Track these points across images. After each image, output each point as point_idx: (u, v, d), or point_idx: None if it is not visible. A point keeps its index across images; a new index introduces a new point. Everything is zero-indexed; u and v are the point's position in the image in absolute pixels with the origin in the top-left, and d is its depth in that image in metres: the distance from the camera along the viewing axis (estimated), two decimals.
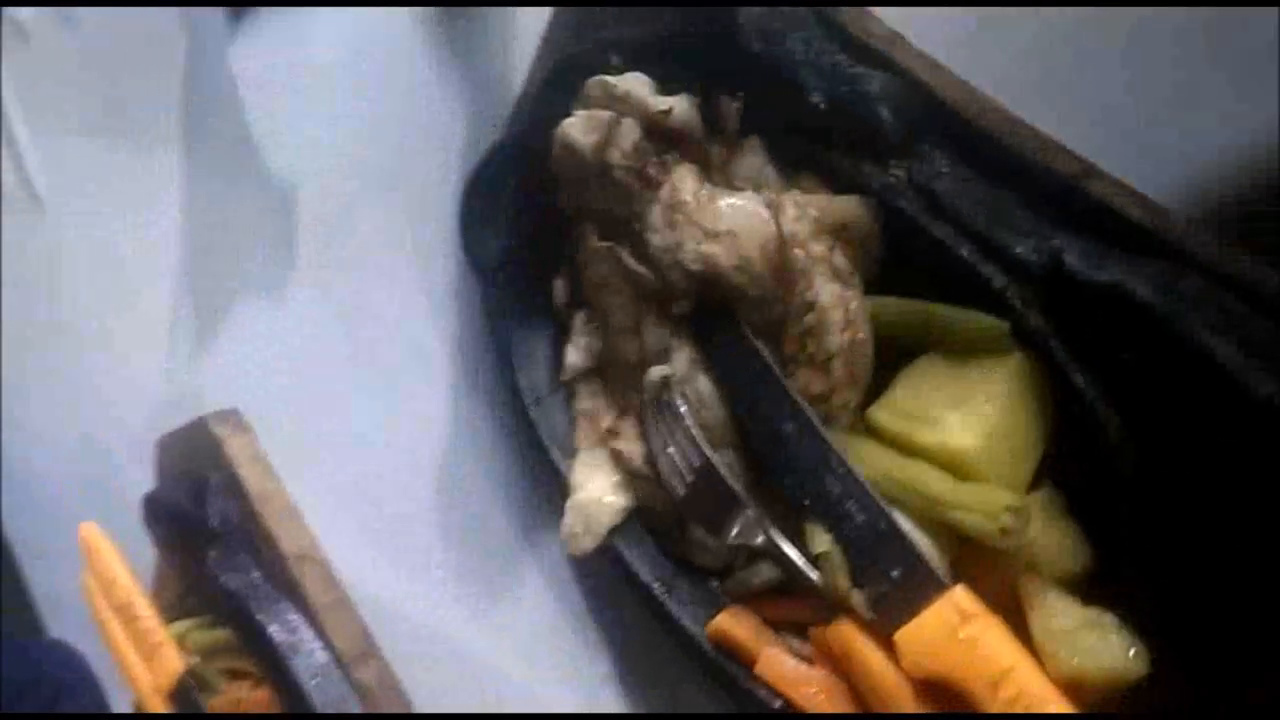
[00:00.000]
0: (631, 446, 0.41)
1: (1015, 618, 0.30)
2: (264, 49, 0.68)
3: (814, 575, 0.34)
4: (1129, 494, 0.29)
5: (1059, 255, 0.30)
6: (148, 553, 0.73)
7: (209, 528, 0.65)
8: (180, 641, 0.66)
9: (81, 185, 0.85)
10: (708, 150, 0.36)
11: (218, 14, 0.70)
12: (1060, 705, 0.28)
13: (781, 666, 0.36)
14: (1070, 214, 0.31)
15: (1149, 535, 0.29)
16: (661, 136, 0.36)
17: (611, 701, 0.51)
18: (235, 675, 0.66)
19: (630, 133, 0.36)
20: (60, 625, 0.94)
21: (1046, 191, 0.31)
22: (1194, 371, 0.27)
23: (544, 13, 0.44)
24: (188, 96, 0.73)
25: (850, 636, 0.33)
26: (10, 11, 0.89)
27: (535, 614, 0.54)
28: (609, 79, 0.37)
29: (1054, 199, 0.31)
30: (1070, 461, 0.31)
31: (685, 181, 0.35)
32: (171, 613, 0.69)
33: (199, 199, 0.75)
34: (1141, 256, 0.29)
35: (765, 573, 0.39)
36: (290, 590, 0.63)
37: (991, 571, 0.31)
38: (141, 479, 0.72)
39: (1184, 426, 0.28)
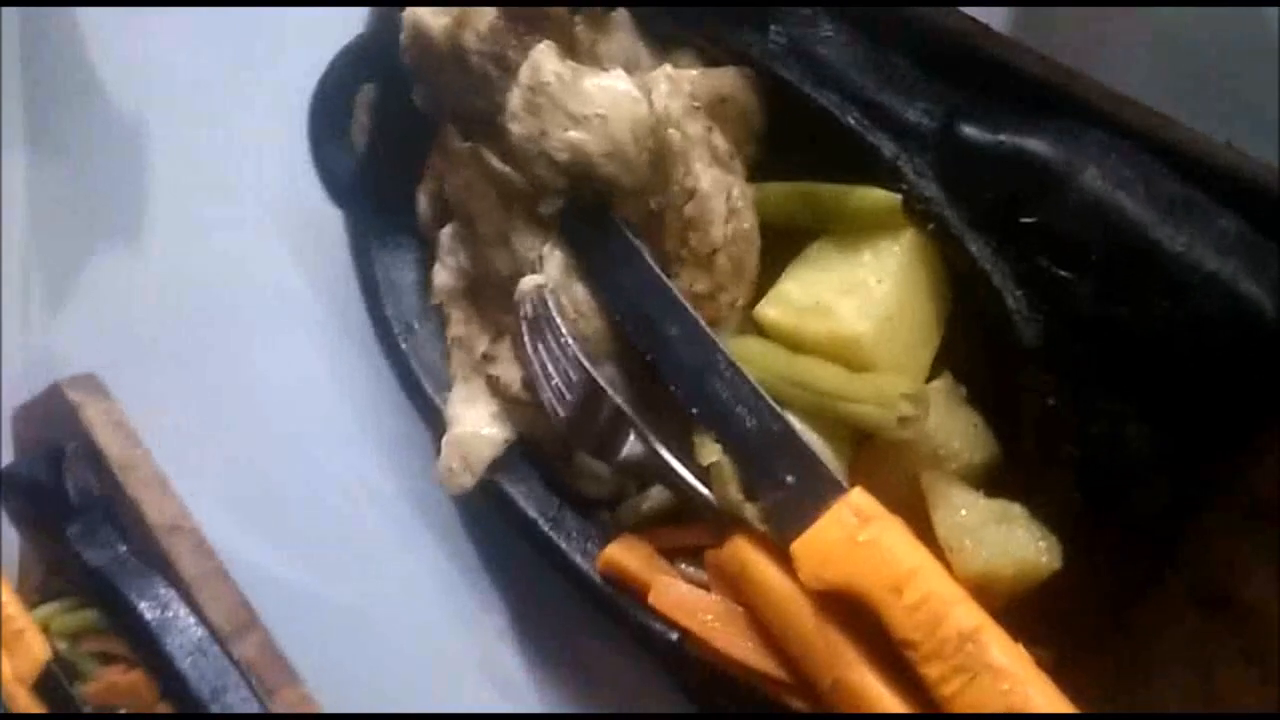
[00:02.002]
0: (509, 371, 0.38)
1: (918, 518, 0.28)
2: None
3: (704, 490, 0.31)
4: (1033, 370, 0.26)
5: (953, 119, 0.27)
6: (9, 535, 0.68)
7: (68, 501, 0.61)
8: (45, 627, 0.62)
9: None
10: (573, 30, 0.33)
11: None
12: (968, 605, 0.26)
13: (675, 594, 0.34)
14: (964, 75, 0.28)
15: (1055, 416, 0.26)
16: (521, 17, 0.33)
17: (510, 656, 0.49)
18: (107, 659, 0.61)
19: (486, 13, 0.33)
20: None
21: (938, 52, 0.29)
22: (1098, 231, 0.25)
23: None
24: (25, 35, 0.67)
25: (744, 553, 0.31)
26: None
27: (424, 569, 0.52)
28: None
29: (946, 60, 0.28)
30: (971, 347, 0.29)
31: (547, 61, 0.31)
32: (37, 597, 0.64)
33: (46, 152, 0.69)
34: (1041, 115, 0.27)
35: (656, 497, 0.36)
36: (160, 564, 0.60)
37: (891, 470, 0.29)
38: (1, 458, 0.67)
39: (1089, 291, 0.25)
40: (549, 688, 0.48)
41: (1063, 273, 0.26)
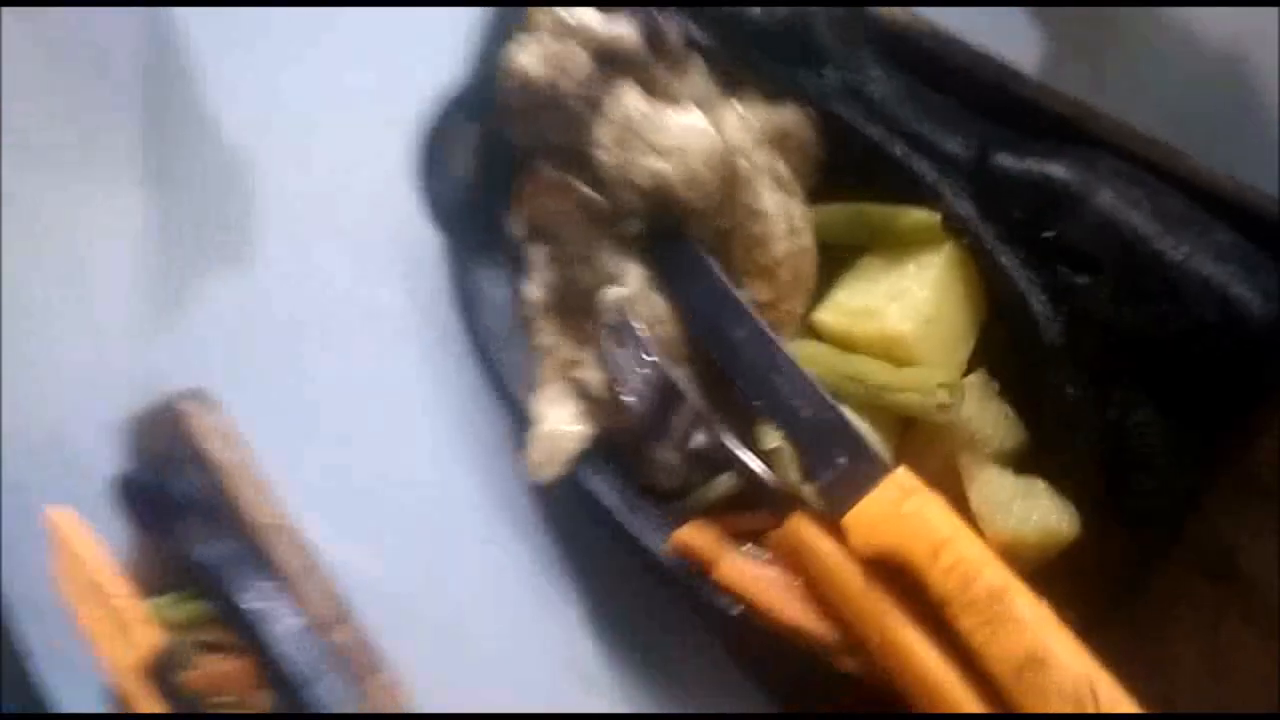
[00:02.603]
0: (591, 374, 0.42)
1: (954, 494, 0.32)
2: (220, 27, 0.69)
3: (765, 473, 0.35)
4: (1055, 365, 0.30)
5: (985, 148, 0.32)
6: (119, 538, 0.73)
7: (179, 503, 0.66)
8: (154, 618, 0.67)
9: (36, 174, 0.86)
10: (653, 74, 0.38)
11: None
12: (996, 566, 0.30)
13: (740, 568, 0.38)
14: (995, 111, 0.33)
15: (1074, 405, 0.30)
16: (610, 62, 0.38)
17: (586, 643, 0.52)
18: (210, 648, 0.66)
19: (580, 60, 0.38)
20: (33, 625, 0.94)
21: (973, 92, 0.33)
22: (1111, 243, 0.29)
23: None
24: (147, 74, 0.74)
25: (802, 528, 0.35)
26: None
27: (506, 564, 0.55)
28: (559, 10, 0.38)
29: (980, 99, 0.33)
30: (1002, 347, 0.33)
31: (632, 101, 0.36)
32: (146, 592, 0.69)
33: (159, 182, 0.75)
34: (1062, 145, 0.31)
35: (722, 486, 0.40)
36: (262, 560, 0.64)
37: (931, 452, 0.33)
38: (112, 465, 0.73)
39: (1103, 295, 0.30)
40: (622, 672, 0.51)
41: (1080, 279, 0.30)
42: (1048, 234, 0.30)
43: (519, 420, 0.46)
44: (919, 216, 0.33)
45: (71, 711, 0.85)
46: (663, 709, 0.50)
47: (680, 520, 0.41)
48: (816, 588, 0.35)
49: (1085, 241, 0.30)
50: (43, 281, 0.83)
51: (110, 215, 0.76)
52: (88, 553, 0.69)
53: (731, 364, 0.36)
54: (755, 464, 0.36)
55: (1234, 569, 0.32)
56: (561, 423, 0.44)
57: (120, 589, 0.67)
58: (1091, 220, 0.29)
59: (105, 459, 0.75)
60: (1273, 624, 0.32)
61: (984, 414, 0.32)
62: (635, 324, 0.39)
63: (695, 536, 0.40)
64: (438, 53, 0.52)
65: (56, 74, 0.81)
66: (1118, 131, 0.30)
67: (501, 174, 0.45)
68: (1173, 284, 0.28)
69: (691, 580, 0.40)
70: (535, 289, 0.44)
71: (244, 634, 0.62)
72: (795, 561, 0.36)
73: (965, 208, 0.32)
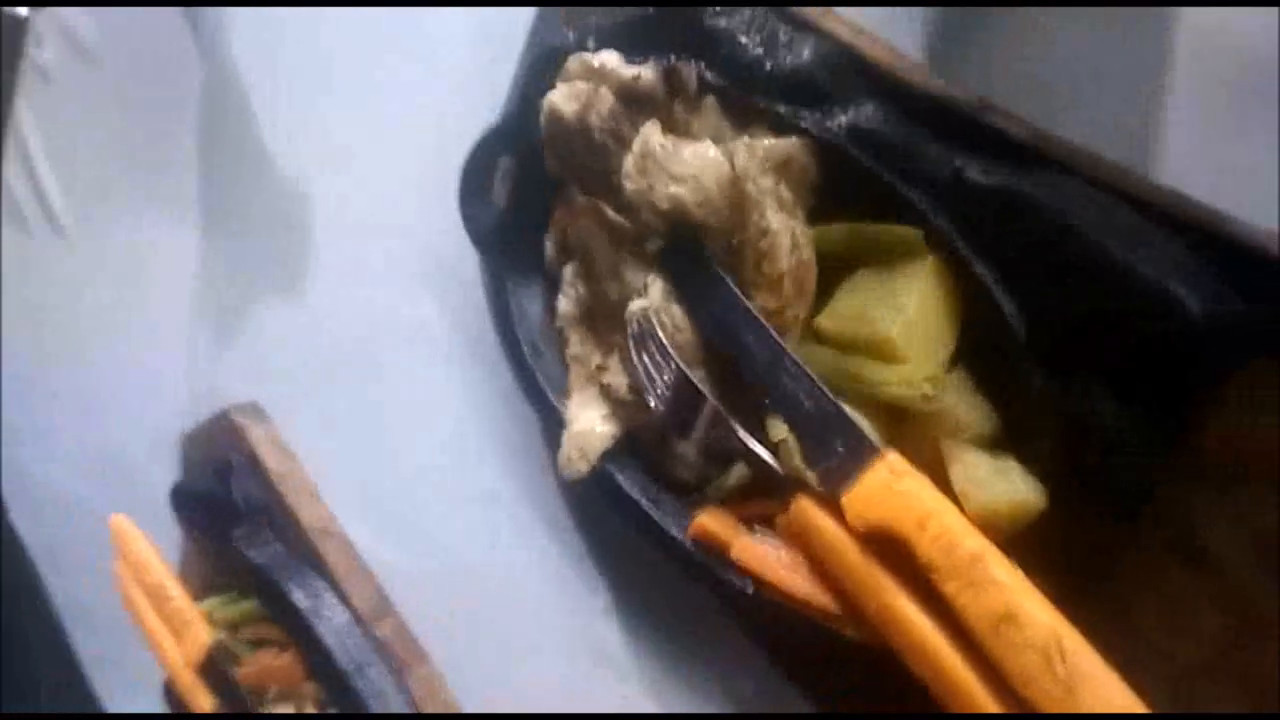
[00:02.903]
0: (618, 379, 0.47)
1: (938, 476, 0.36)
2: (273, 62, 0.75)
3: (773, 461, 0.40)
4: (1023, 359, 0.35)
5: (961, 171, 0.36)
6: (171, 547, 0.78)
7: (235, 508, 0.71)
8: (207, 618, 0.71)
9: (101, 210, 0.92)
10: (672, 110, 0.43)
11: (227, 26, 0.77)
12: (976, 535, 0.34)
13: (752, 549, 0.42)
14: (970, 139, 0.37)
15: (1042, 395, 0.35)
16: (632, 100, 0.43)
17: (610, 630, 0.56)
18: (260, 644, 0.71)
19: (607, 99, 0.43)
20: (83, 632, 0.99)
21: (951, 123, 0.38)
22: (1070, 253, 0.34)
23: (530, 11, 0.51)
24: (203, 113, 0.80)
25: (806, 509, 0.39)
26: (33, 54, 0.96)
27: (536, 559, 0.59)
28: (586, 55, 0.43)
29: (957, 128, 0.37)
30: (979, 347, 0.37)
31: (653, 135, 0.41)
32: (200, 593, 0.74)
33: (216, 213, 0.81)
34: (1028, 167, 0.36)
35: (736, 476, 0.45)
36: (311, 561, 0.69)
37: (918, 439, 0.37)
38: (163, 478, 0.78)
39: (1066, 299, 0.34)
40: (644, 657, 0.54)
41: (1043, 285, 0.34)
42: (1015, 244, 0.35)
43: (553, 423, 0.51)
44: (904, 233, 0.37)
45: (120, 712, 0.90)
46: (681, 689, 0.53)
47: (698, 509, 0.45)
48: (820, 563, 0.40)
49: (1046, 250, 0.34)
50: (108, 307, 0.89)
51: (171, 245, 0.82)
52: (147, 557, 0.74)
53: (743, 365, 0.41)
54: (764, 454, 0.40)
55: (1197, 547, 0.36)
56: (591, 424, 0.48)
57: (176, 591, 0.72)
58: (1051, 231, 0.34)
59: (161, 471, 0.81)
60: (1231, 597, 0.36)
61: (963, 404, 0.37)
62: (658, 331, 0.43)
63: (712, 522, 0.44)
64: (475, 92, 0.57)
65: (121, 117, 0.88)
66: (1074, 154, 0.35)
67: (536, 201, 0.50)
68: (1122, 288, 0.33)
69: (710, 562, 0.44)
70: (567, 303, 0.49)
71: (294, 630, 0.67)
72: (801, 541, 0.40)
73: (944, 224, 0.36)
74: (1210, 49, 0.35)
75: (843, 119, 0.39)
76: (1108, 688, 0.32)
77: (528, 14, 0.53)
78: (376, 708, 0.63)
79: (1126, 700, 0.32)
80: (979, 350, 0.37)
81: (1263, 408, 0.33)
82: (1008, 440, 0.37)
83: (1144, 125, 0.37)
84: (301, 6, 0.71)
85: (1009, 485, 0.35)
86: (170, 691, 0.73)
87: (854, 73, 0.39)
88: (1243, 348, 0.33)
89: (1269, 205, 0.33)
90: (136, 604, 0.73)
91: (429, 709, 0.63)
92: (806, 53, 0.40)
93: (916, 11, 0.42)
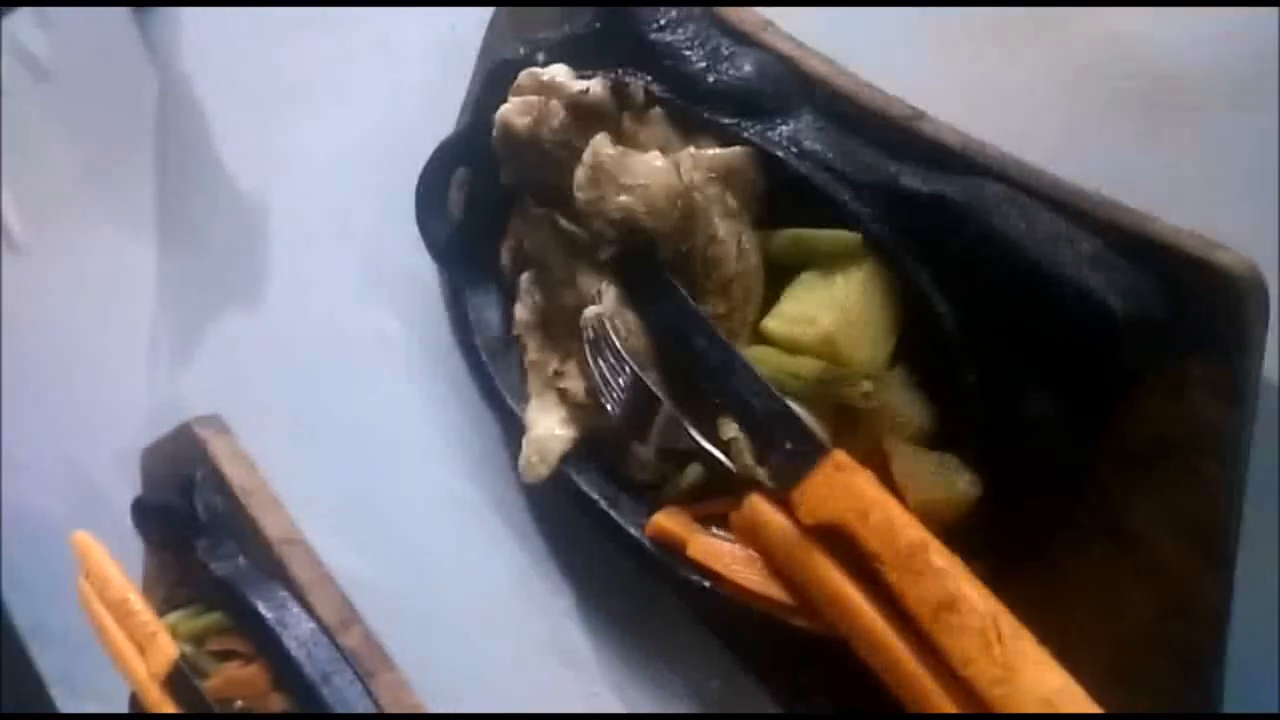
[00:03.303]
0: (574, 383, 0.48)
1: (881, 470, 0.38)
2: (228, 72, 0.75)
3: (725, 459, 0.41)
4: (957, 356, 0.37)
5: (896, 178, 0.38)
6: (134, 562, 0.78)
7: (197, 521, 0.71)
8: (172, 631, 0.71)
9: (58, 225, 0.92)
10: (620, 123, 0.44)
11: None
12: (916, 525, 0.36)
13: (707, 546, 0.43)
14: (905, 148, 0.39)
15: (975, 389, 0.37)
16: (582, 114, 0.44)
17: (573, 631, 0.58)
18: (226, 656, 0.71)
19: (557, 112, 0.44)
20: (45, 651, 0.98)
21: (886, 133, 0.39)
22: (997, 254, 0.36)
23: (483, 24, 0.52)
24: (159, 126, 0.80)
25: (757, 506, 0.40)
26: None
27: (501, 564, 0.60)
28: (537, 70, 0.45)
29: (892, 138, 0.39)
30: (917, 346, 0.39)
31: (603, 147, 0.42)
32: (164, 606, 0.74)
33: (175, 226, 0.81)
34: (957, 173, 0.37)
35: (691, 476, 0.46)
36: (276, 571, 0.69)
37: (861, 435, 0.39)
38: (125, 494, 0.78)
39: (995, 299, 0.36)
40: (605, 655, 0.56)
41: (973, 284, 0.36)
42: (946, 246, 0.36)
43: (512, 428, 0.52)
44: (844, 237, 0.39)
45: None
46: (648, 688, 0.55)
47: (655, 509, 0.47)
48: (772, 557, 0.41)
49: (974, 252, 0.36)
50: (66, 323, 0.89)
51: (129, 259, 0.83)
52: (110, 572, 0.73)
53: (694, 367, 0.42)
54: (717, 453, 0.42)
55: (1123, 528, 0.38)
56: (550, 428, 0.49)
57: (140, 605, 0.72)
58: (978, 234, 0.36)
59: (123, 486, 0.81)
60: (1156, 573, 0.38)
61: (903, 400, 0.38)
62: (612, 336, 0.45)
63: (669, 521, 0.46)
64: (431, 104, 0.59)
65: (75, 130, 0.88)
66: (1000, 160, 0.37)
67: (491, 211, 0.51)
68: (1044, 286, 0.35)
69: (668, 560, 0.45)
70: (523, 311, 0.50)
71: (260, 641, 0.67)
72: (754, 537, 0.42)
73: (880, 229, 0.38)
74: (1121, 60, 0.37)
75: (784, 129, 0.41)
76: (1043, 667, 0.34)
77: (484, 26, 0.54)
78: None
79: (1061, 679, 0.34)
80: (916, 349, 0.39)
81: (1182, 394, 0.35)
82: (945, 434, 0.38)
83: (1066, 134, 0.39)
84: (256, 8, 0.72)
85: (947, 478, 0.37)
86: (135, 707, 0.72)
87: (794, 85, 0.41)
88: (1162, 343, 0.35)
89: (1182, 209, 0.35)
90: (100, 619, 0.73)
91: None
92: (747, 66, 0.42)
93: (856, 22, 0.44)
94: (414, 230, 0.55)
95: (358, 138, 0.67)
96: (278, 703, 0.68)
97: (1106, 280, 0.35)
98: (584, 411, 0.48)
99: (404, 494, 0.65)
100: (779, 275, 0.42)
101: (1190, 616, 0.37)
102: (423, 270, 0.60)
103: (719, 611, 0.45)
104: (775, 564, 0.41)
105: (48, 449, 0.94)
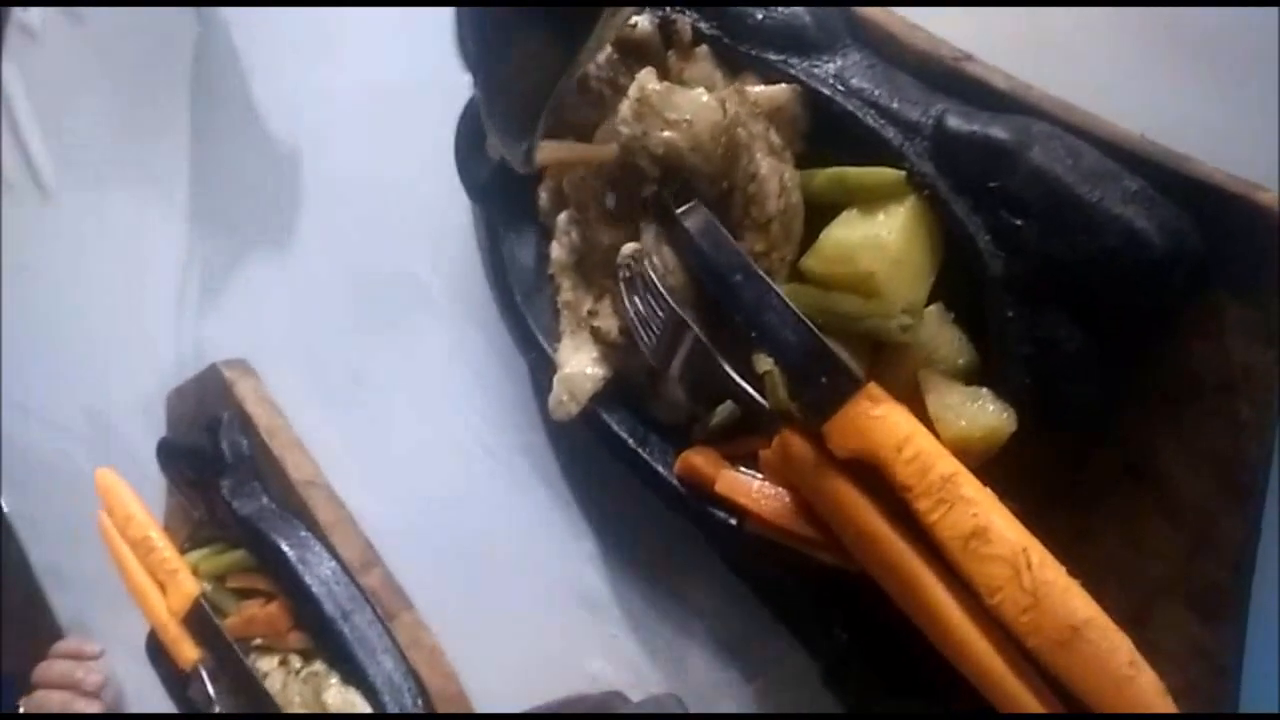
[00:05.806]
0: (608, 322, 0.48)
1: (915, 404, 0.38)
2: (267, 19, 0.75)
3: (758, 395, 0.42)
4: (996, 293, 0.37)
5: (942, 117, 0.38)
6: (156, 502, 0.79)
7: (221, 461, 0.72)
8: (193, 569, 0.72)
9: (90, 171, 0.92)
10: (666, 60, 0.44)
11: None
12: (948, 457, 0.36)
13: (736, 481, 0.44)
14: (951, 88, 0.39)
15: (1012, 325, 0.37)
16: (629, 51, 0.44)
17: (595, 575, 0.58)
18: (246, 594, 0.72)
19: (605, 50, 0.44)
20: (62, 594, 0.99)
21: (934, 73, 0.40)
22: (1043, 191, 0.36)
23: None
24: (195, 72, 0.80)
25: (789, 440, 0.41)
26: (18, 12, 0.96)
27: (524, 507, 0.61)
28: None
29: (939, 78, 0.40)
30: (956, 284, 0.39)
31: (649, 82, 0.43)
32: (187, 545, 0.75)
33: (206, 171, 0.82)
34: (1003, 113, 0.38)
35: (720, 415, 0.46)
36: (298, 512, 0.70)
37: (897, 370, 0.39)
38: (148, 436, 0.79)
39: (1034, 234, 0.36)
40: (625, 598, 0.56)
41: (1016, 221, 0.37)
42: (991, 184, 0.37)
43: (543, 367, 0.52)
44: (887, 174, 0.39)
45: None
46: (668, 632, 0.55)
47: (684, 448, 0.47)
48: (802, 493, 0.42)
49: (1020, 189, 0.36)
50: (96, 268, 0.90)
51: (161, 203, 0.83)
52: (133, 510, 0.74)
53: (731, 303, 0.42)
54: (748, 389, 0.42)
55: (1151, 467, 0.38)
56: (581, 367, 0.50)
57: (162, 542, 0.73)
58: (1025, 173, 0.36)
59: (146, 430, 0.82)
60: (1183, 512, 0.38)
61: (940, 337, 0.39)
62: (650, 272, 0.45)
63: (698, 458, 0.46)
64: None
65: (110, 75, 0.88)
66: (1046, 100, 0.37)
67: None
68: (1088, 222, 0.35)
69: (696, 498, 0.46)
70: (560, 250, 0.51)
71: (281, 578, 0.68)
72: (784, 473, 0.42)
73: (925, 167, 0.38)
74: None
75: (830, 67, 0.41)
76: (1071, 595, 0.34)
77: None
78: (361, 654, 0.64)
79: (1089, 609, 0.35)
80: (955, 288, 0.39)
81: (1214, 335, 0.35)
82: (980, 370, 0.39)
83: (1111, 79, 0.39)
84: None
85: (981, 412, 0.37)
86: (154, 644, 0.73)
87: (841, 23, 0.41)
88: (1199, 279, 0.35)
89: (1225, 154, 0.36)
90: (121, 557, 0.74)
91: (413, 655, 0.64)
92: (794, 4, 0.42)
93: None
94: (448, 176, 0.55)
95: (395, 81, 0.67)
96: (296, 642, 0.69)
97: (1149, 217, 0.35)
98: (616, 351, 0.48)
99: (429, 438, 0.66)
100: (818, 215, 0.42)
101: (1216, 559, 0.37)
102: (456, 217, 0.61)
103: (744, 549, 0.45)
104: (804, 498, 0.42)
105: (68, 394, 0.95)
